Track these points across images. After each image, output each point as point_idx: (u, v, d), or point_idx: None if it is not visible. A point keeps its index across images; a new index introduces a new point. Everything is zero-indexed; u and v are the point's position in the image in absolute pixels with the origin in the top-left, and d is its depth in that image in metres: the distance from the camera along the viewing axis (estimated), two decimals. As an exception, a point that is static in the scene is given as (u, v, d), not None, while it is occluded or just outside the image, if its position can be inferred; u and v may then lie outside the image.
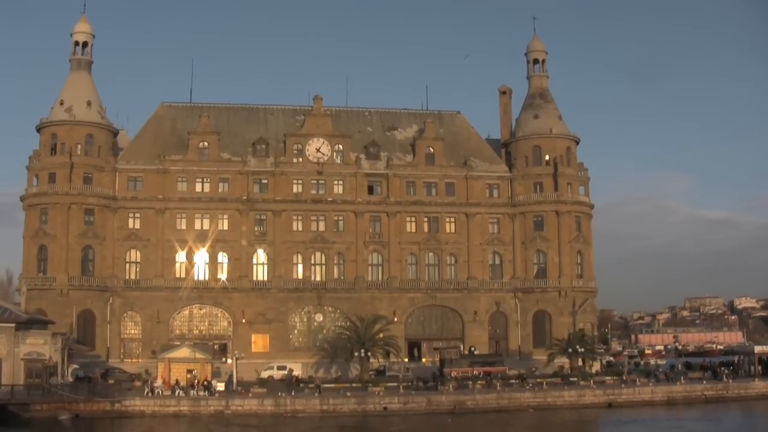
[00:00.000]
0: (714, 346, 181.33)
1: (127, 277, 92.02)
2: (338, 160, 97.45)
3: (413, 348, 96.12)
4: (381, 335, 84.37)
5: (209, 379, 70.38)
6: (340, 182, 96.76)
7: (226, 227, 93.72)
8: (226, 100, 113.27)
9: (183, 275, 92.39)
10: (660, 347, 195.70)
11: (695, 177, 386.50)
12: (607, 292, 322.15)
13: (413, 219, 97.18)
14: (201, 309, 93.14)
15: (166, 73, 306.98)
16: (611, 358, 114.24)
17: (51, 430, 60.05)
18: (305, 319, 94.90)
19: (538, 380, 75.71)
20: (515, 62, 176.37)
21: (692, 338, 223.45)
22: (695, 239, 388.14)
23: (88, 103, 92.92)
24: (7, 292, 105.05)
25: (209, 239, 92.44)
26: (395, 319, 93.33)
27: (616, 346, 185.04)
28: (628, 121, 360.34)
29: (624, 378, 78.72)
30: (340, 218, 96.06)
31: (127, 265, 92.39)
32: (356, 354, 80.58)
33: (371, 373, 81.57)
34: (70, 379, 68.43)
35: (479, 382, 73.67)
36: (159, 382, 68.95)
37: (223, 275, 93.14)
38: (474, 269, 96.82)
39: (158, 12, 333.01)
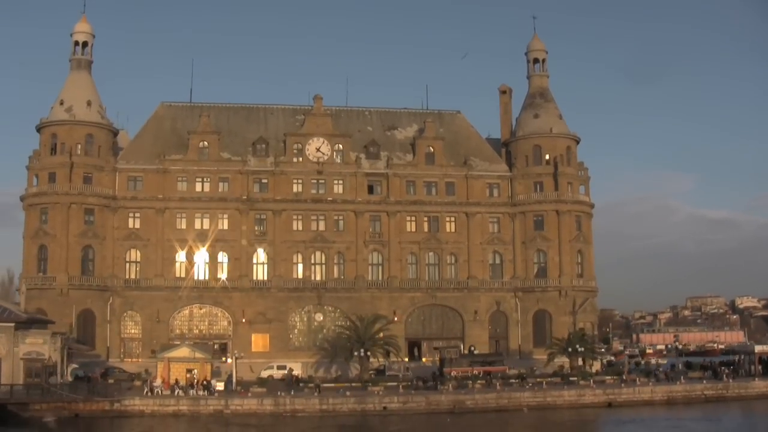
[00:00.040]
0: (715, 345, 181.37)
1: (127, 276, 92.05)
2: (338, 160, 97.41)
3: (413, 347, 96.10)
4: (381, 335, 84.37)
5: (209, 378, 70.31)
6: (340, 182, 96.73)
7: (226, 227, 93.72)
8: (226, 100, 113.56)
9: (183, 275, 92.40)
10: (661, 347, 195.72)
11: (696, 177, 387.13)
12: (609, 292, 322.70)
13: (413, 218, 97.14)
14: (201, 308, 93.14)
15: (166, 72, 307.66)
16: (612, 358, 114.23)
17: (50, 429, 60.02)
18: (305, 319, 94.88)
19: (538, 380, 75.62)
20: (515, 62, 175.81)
21: (693, 338, 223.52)
22: (697, 239, 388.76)
23: (88, 103, 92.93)
24: (8, 292, 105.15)
25: (209, 239, 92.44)
26: (395, 319, 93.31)
27: (617, 345, 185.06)
28: (628, 121, 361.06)
29: (624, 377, 78.64)
30: (340, 218, 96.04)
31: (127, 264, 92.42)
32: (356, 353, 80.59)
33: (371, 372, 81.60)
34: (70, 379, 68.55)
35: (479, 381, 73.58)
36: (158, 382, 68.93)
37: (223, 275, 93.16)
38: (474, 269, 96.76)
39: (158, 12, 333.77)
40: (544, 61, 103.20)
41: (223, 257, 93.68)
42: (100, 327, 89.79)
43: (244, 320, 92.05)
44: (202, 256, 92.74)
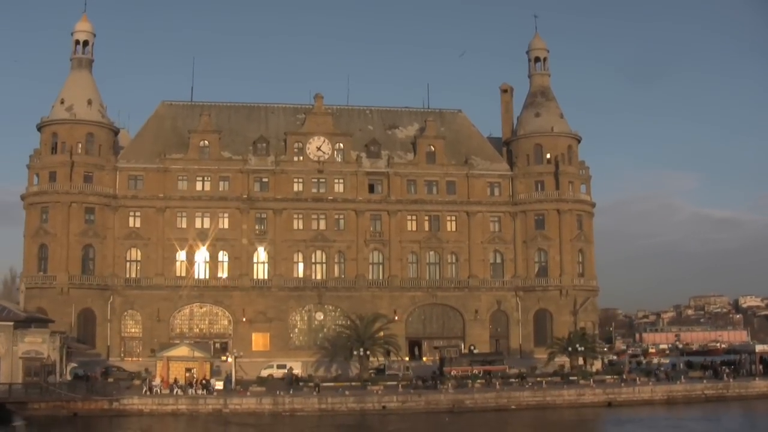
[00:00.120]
0: (718, 344, 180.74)
1: (128, 275, 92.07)
2: (339, 159, 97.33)
3: (414, 347, 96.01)
4: (381, 334, 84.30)
5: (208, 377, 70.26)
6: (341, 181, 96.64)
7: (226, 226, 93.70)
8: (227, 99, 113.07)
9: (183, 274, 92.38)
10: (664, 346, 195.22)
11: (700, 176, 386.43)
12: (612, 291, 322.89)
13: (414, 217, 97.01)
14: (201, 307, 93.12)
15: (166, 71, 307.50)
16: (614, 357, 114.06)
17: (49, 428, 60.03)
18: (306, 318, 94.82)
19: (538, 379, 75.49)
20: (516, 60, 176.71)
21: (696, 337, 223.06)
22: (700, 238, 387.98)
23: (89, 102, 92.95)
24: (11, 291, 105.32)
25: (210, 238, 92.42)
26: (396, 318, 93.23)
27: (620, 344, 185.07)
28: (630, 120, 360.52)
29: (624, 377, 78.48)
30: (341, 217, 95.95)
31: (128, 263, 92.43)
32: (355, 353, 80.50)
33: (371, 371, 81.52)
34: (69, 378, 68.53)
35: (479, 381, 73.45)
36: (157, 381, 68.89)
37: (223, 274, 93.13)
38: (475, 268, 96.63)
39: (159, 11, 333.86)
40: (545, 60, 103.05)
41: (223, 256, 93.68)
42: (101, 326, 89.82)
43: (244, 319, 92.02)
44: (202, 255, 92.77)
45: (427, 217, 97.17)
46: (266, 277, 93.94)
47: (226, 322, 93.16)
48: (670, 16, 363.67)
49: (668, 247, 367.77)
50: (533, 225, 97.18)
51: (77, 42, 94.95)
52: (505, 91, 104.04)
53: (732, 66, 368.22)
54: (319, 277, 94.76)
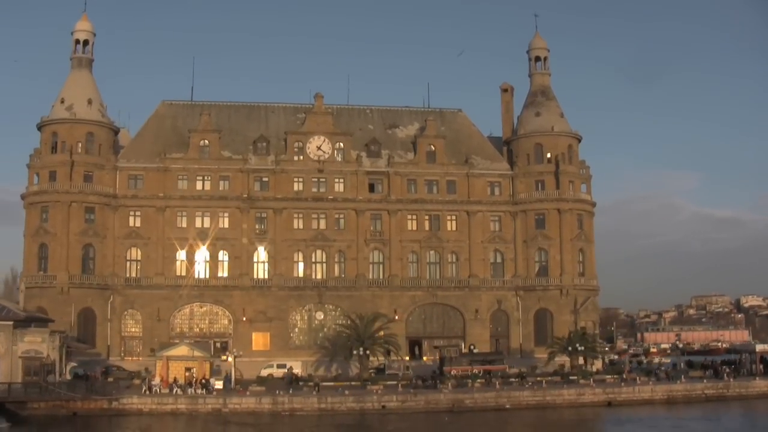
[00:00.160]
0: (719, 344, 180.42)
1: (128, 275, 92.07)
2: (339, 158, 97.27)
3: (414, 346, 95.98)
4: (381, 333, 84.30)
5: (207, 377, 70.21)
6: (341, 180, 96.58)
7: (226, 225, 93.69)
8: (227, 98, 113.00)
9: (183, 273, 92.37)
10: (665, 346, 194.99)
11: (701, 175, 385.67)
12: (614, 290, 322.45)
13: (414, 217, 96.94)
14: (201, 307, 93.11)
15: (167, 71, 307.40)
16: (615, 357, 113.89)
17: (48, 428, 60.01)
18: (306, 318, 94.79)
19: (538, 379, 75.40)
20: (517, 60, 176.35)
21: (698, 336, 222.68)
22: (702, 237, 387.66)
23: (89, 102, 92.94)
24: (12, 291, 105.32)
25: (210, 237, 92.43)
26: (396, 318, 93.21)
27: (621, 344, 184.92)
28: (630, 119, 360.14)
29: (624, 376, 78.39)
30: (341, 216, 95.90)
31: (128, 263, 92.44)
32: (355, 352, 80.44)
33: (371, 371, 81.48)
34: (68, 377, 68.53)
35: (479, 380, 73.37)
36: (157, 380, 68.85)
37: (223, 273, 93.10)
38: (475, 267, 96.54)
39: (159, 10, 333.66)
40: (545, 59, 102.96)
41: (223, 256, 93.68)
42: (101, 325, 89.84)
43: (244, 319, 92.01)
44: (202, 254, 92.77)
45: (427, 217, 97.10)
46: (266, 276, 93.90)
47: (226, 322, 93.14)
48: (670, 16, 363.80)
49: (669, 246, 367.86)
50: (533, 224, 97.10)
51: (77, 41, 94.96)
52: (505, 90, 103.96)
53: (732, 65, 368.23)
54: (319, 276, 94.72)
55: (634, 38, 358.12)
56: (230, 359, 78.05)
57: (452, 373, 76.23)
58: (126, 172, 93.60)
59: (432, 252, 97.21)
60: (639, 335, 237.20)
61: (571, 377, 77.50)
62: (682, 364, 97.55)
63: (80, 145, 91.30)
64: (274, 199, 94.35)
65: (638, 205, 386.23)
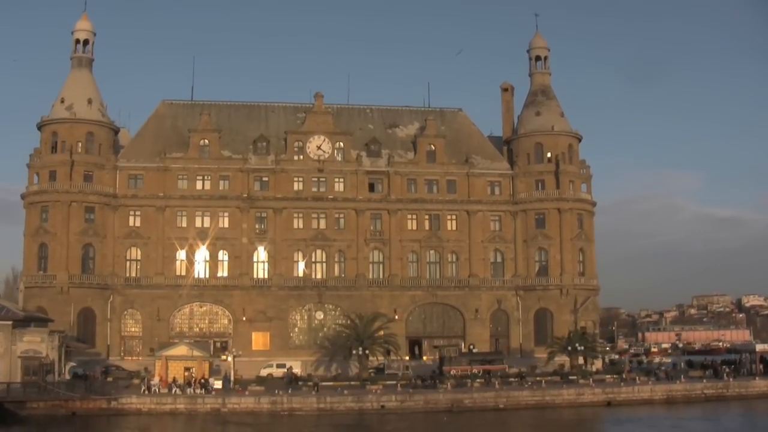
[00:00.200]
0: (720, 344, 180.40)
1: (128, 274, 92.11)
2: (339, 158, 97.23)
3: (414, 346, 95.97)
4: (381, 333, 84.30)
5: (206, 376, 70.18)
6: (341, 180, 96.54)
7: (226, 225, 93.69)
8: (227, 98, 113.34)
9: (183, 273, 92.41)
10: (666, 345, 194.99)
11: (703, 175, 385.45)
12: (615, 290, 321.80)
13: (414, 216, 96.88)
14: (201, 307, 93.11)
15: (167, 70, 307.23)
16: (616, 356, 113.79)
17: (47, 427, 60.00)
18: (306, 317, 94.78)
19: (538, 378, 75.32)
20: (517, 59, 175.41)
21: (699, 336, 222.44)
22: (703, 237, 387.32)
23: (89, 101, 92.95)
24: (13, 290, 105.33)
25: (210, 237, 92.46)
26: (396, 317, 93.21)
27: (622, 344, 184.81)
28: (631, 119, 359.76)
29: (623, 376, 78.31)
30: (341, 216, 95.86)
31: (128, 262, 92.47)
32: (355, 352, 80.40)
33: (370, 371, 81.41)
34: (68, 377, 68.52)
35: (478, 380, 73.32)
36: (156, 380, 68.79)
37: (223, 273, 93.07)
38: (475, 267, 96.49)
39: (159, 10, 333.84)
40: (546, 58, 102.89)
41: (223, 255, 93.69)
42: (101, 325, 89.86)
43: (244, 318, 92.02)
44: (202, 254, 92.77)
45: (427, 216, 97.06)
46: (266, 276, 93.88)
47: (226, 322, 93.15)
48: (670, 16, 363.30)
49: (671, 246, 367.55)
50: (534, 224, 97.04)
51: (77, 41, 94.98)
52: (505, 89, 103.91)
53: (733, 65, 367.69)
54: (319, 276, 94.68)
55: (635, 38, 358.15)
56: (229, 359, 78.02)
57: (452, 372, 76.21)
58: (126, 172, 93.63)
59: (432, 252, 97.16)
60: (640, 335, 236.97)
61: (570, 377, 77.44)
62: (682, 364, 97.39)
63: (80, 144, 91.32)
64: (274, 199, 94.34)
65: (639, 205, 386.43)
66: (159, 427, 61.61)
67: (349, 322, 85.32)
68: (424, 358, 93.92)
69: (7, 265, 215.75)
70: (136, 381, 73.43)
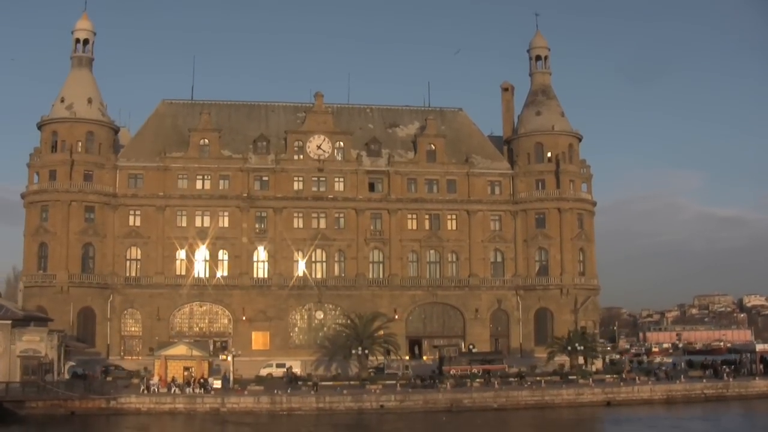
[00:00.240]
0: (721, 344, 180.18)
1: (128, 274, 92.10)
2: (339, 157, 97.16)
3: (414, 346, 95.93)
4: (381, 333, 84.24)
5: (206, 376, 70.15)
6: (341, 179, 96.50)
7: (226, 224, 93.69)
8: (228, 97, 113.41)
9: (183, 273, 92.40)
10: (667, 345, 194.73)
11: (705, 174, 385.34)
12: (617, 290, 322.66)
13: (414, 216, 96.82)
14: (201, 306, 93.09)
15: (167, 70, 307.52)
16: (617, 356, 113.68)
17: (46, 427, 59.98)
18: (306, 317, 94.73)
19: (537, 378, 75.22)
20: (517, 59, 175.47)
21: (700, 336, 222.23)
22: (705, 237, 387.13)
23: (89, 101, 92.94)
24: (14, 290, 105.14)
25: (209, 236, 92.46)
26: (396, 317, 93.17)
27: (623, 343, 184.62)
28: (632, 118, 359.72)
29: (623, 376, 78.21)
30: (341, 215, 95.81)
31: (128, 262, 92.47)
32: (354, 352, 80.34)
33: (370, 371, 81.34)
34: (67, 377, 68.49)
35: (477, 380, 73.25)
36: (155, 380, 68.72)
37: (223, 273, 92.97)
38: (475, 267, 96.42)
39: (159, 9, 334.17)
40: (546, 58, 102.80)
41: (223, 255, 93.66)
42: (101, 325, 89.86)
43: (244, 318, 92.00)
44: (202, 253, 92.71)
45: (427, 216, 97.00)
46: (266, 275, 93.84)
47: (226, 321, 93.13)
48: (670, 15, 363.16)
49: (673, 246, 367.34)
50: (534, 224, 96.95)
51: (77, 40, 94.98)
52: (505, 89, 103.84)
53: (733, 64, 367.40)
54: (319, 275, 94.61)
55: (635, 37, 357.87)
56: (229, 358, 77.96)
57: (451, 372, 76.09)
58: (126, 171, 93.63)
59: (432, 251, 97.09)
60: (641, 335, 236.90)
61: (570, 377, 77.36)
62: (682, 364, 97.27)
63: (80, 144, 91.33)
64: (274, 199, 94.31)
65: (641, 204, 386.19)
66: (158, 426, 61.54)
67: (349, 321, 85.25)
68: (424, 357, 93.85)
69: (8, 264, 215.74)
70: (135, 381, 73.38)
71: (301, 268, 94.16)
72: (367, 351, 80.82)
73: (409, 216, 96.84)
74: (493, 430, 61.84)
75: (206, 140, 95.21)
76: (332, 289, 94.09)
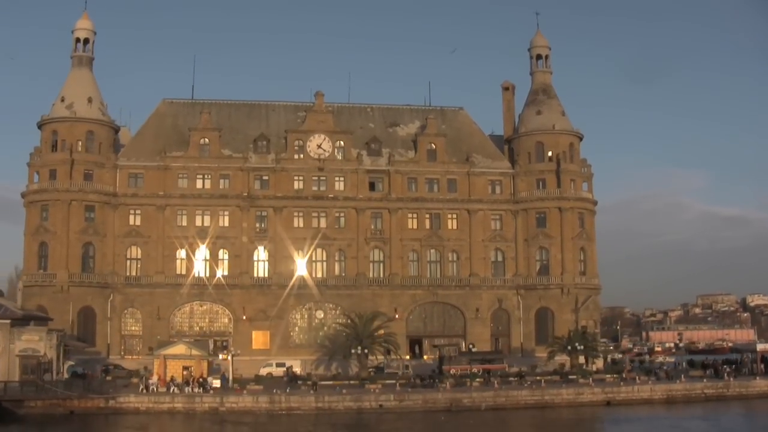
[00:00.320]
0: (724, 343, 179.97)
1: (128, 273, 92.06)
2: (339, 157, 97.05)
3: (415, 345, 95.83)
4: (381, 332, 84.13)
5: (205, 376, 70.08)
6: (342, 179, 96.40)
7: (226, 224, 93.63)
8: (228, 97, 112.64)
9: (183, 272, 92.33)
10: (670, 344, 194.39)
11: (708, 174, 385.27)
12: (620, 289, 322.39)
13: (415, 215, 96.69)
14: (201, 305, 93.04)
15: (167, 69, 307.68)
16: (620, 355, 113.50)
17: (45, 426, 59.95)
18: (306, 316, 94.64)
19: (537, 378, 75.06)
20: (518, 58, 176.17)
21: (703, 335, 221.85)
22: (708, 236, 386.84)
23: (89, 100, 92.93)
24: (16, 289, 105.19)
25: (210, 236, 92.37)
26: (396, 316, 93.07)
27: (626, 343, 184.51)
28: (634, 118, 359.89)
29: (623, 376, 78.01)
30: (341, 215, 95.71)
31: (128, 261, 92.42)
32: (354, 351, 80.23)
33: (370, 370, 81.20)
34: (66, 376, 68.47)
35: (477, 379, 73.10)
36: (154, 379, 68.67)
37: (223, 272, 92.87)
38: (476, 266, 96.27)
39: (160, 8, 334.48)
40: (547, 57, 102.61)
41: (223, 254, 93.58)
42: (101, 324, 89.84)
43: (244, 317, 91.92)
44: (202, 253, 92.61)
45: (428, 215, 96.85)
46: (266, 275, 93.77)
47: (226, 320, 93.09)
48: (671, 15, 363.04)
49: (676, 245, 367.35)
50: (534, 223, 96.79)
51: (78, 40, 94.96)
52: (506, 88, 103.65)
53: (734, 64, 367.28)
54: (319, 275, 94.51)
55: (636, 36, 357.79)
56: (228, 358, 77.89)
57: (451, 372, 75.97)
58: (126, 171, 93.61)
59: (432, 251, 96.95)
60: (644, 334, 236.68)
61: (570, 376, 77.18)
62: (683, 364, 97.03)
63: (80, 143, 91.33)
64: (274, 198, 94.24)
65: (645, 204, 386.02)
66: (157, 426, 61.44)
67: (349, 321, 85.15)
68: (425, 357, 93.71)
69: (9, 264, 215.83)
70: (134, 380, 73.32)
71: (301, 268, 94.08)
72: (367, 350, 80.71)
73: (410, 215, 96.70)
74: (492, 429, 61.72)
75: (206, 139, 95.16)
76: (332, 289, 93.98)
